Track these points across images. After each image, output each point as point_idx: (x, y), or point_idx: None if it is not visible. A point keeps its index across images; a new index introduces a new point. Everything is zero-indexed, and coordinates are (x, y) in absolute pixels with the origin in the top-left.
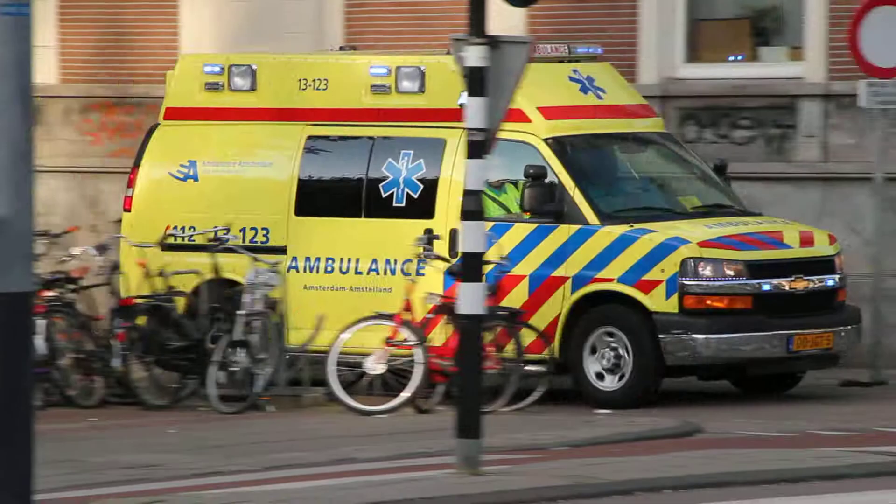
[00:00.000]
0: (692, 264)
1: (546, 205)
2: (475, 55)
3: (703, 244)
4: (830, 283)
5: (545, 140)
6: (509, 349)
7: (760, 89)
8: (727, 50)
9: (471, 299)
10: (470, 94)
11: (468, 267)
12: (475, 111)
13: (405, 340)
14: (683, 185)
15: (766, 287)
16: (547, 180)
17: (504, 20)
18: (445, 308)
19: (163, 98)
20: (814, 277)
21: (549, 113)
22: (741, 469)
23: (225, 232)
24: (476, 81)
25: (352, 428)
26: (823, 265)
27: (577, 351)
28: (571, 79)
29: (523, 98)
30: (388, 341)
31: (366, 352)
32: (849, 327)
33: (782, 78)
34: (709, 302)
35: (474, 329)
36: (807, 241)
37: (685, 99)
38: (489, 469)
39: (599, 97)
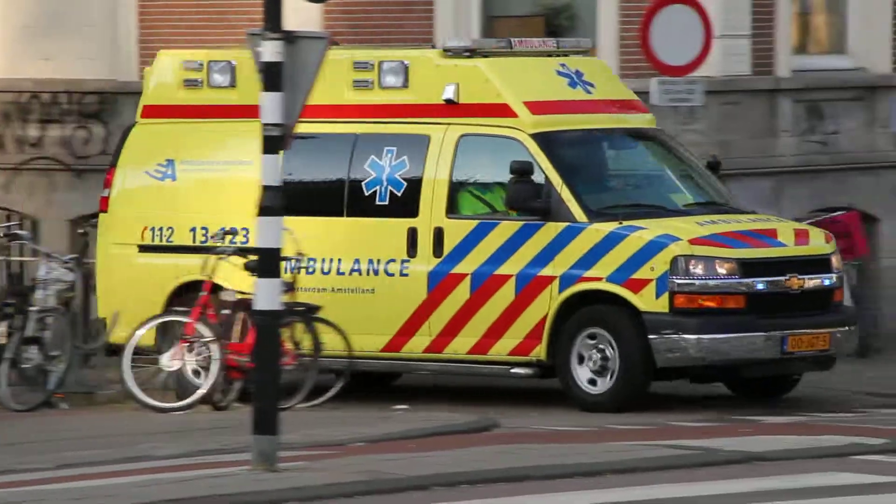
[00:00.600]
0: (683, 262)
1: (532, 202)
2: (271, 50)
3: (694, 241)
4: (827, 282)
5: (532, 135)
6: (307, 345)
7: None
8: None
9: (267, 295)
10: (265, 90)
11: (264, 263)
12: (271, 106)
13: (201, 337)
14: (675, 181)
15: (759, 286)
16: (533, 177)
17: (300, 16)
18: (242, 304)
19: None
20: (809, 276)
21: (535, 107)
22: (537, 463)
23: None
24: (272, 77)
25: (147, 425)
26: (819, 264)
27: (563, 353)
28: (559, 73)
29: (509, 92)
30: (184, 338)
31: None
32: (845, 328)
33: None
34: (700, 301)
35: (271, 325)
36: (802, 238)
37: None
38: (286, 465)
39: (588, 91)
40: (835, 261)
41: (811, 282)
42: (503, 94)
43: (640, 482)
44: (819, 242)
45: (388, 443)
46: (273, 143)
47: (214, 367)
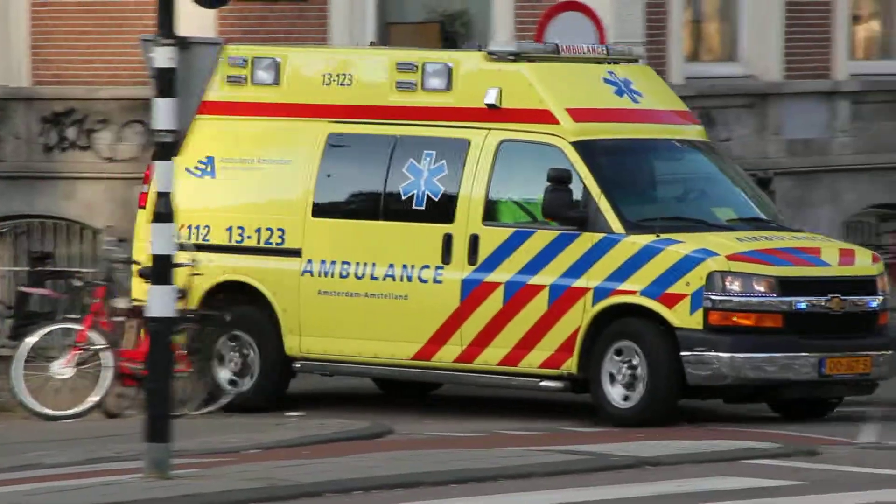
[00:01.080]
0: (719, 278)
1: (568, 211)
2: (164, 56)
3: (731, 257)
4: (873, 304)
5: (572, 143)
6: (201, 352)
7: None
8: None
9: (160, 302)
10: (158, 95)
11: (157, 269)
12: (164, 112)
13: (93, 344)
14: (720, 196)
15: (799, 305)
16: (571, 185)
17: (194, 21)
18: (136, 311)
19: None
20: (852, 298)
21: (578, 115)
22: (430, 469)
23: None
24: (165, 82)
25: (38, 433)
26: (863, 285)
27: (595, 367)
28: (606, 80)
29: (551, 98)
30: (76, 345)
31: None
32: (889, 352)
33: None
34: (735, 319)
35: (164, 332)
36: (847, 259)
37: None
38: (179, 473)
39: (635, 101)
40: (881, 283)
41: (854, 303)
42: (545, 100)
43: (533, 487)
44: (865, 263)
45: (282, 450)
46: (166, 150)
47: (106, 375)
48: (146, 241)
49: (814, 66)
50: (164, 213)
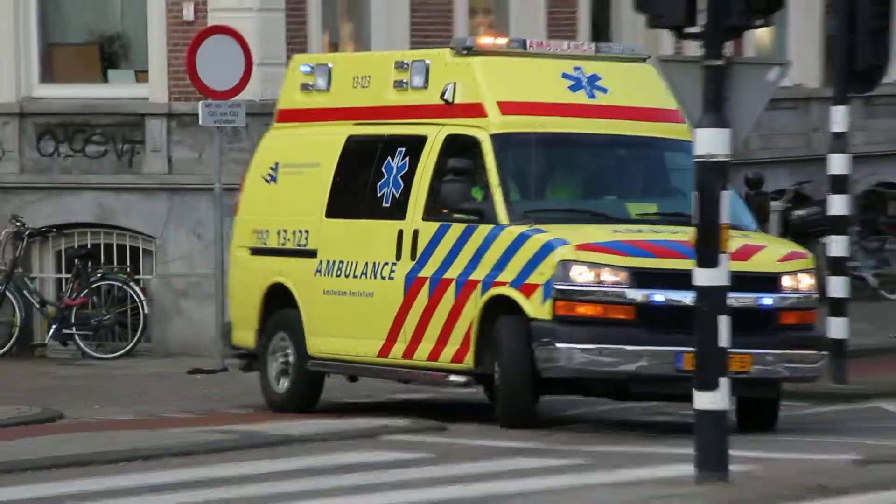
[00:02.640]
0: (567, 267)
1: (462, 202)
2: None
3: (581, 247)
4: (763, 301)
5: (492, 135)
6: None
7: (110, 108)
8: (79, 72)
9: None
10: None
11: None
12: None
13: None
14: (652, 191)
15: (655, 297)
16: (472, 177)
17: None
18: None
19: None
20: (735, 294)
21: (508, 108)
22: (102, 449)
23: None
24: None
25: None
26: (755, 282)
27: (489, 362)
28: (566, 76)
29: (487, 92)
30: None
31: None
32: (784, 351)
33: (130, 98)
34: (581, 309)
35: None
36: (743, 255)
37: (41, 116)
38: None
39: (592, 96)
40: (790, 281)
41: (736, 300)
42: (482, 93)
43: (195, 464)
44: (767, 260)
45: None
46: None
47: None
48: (236, 246)
49: None
50: None
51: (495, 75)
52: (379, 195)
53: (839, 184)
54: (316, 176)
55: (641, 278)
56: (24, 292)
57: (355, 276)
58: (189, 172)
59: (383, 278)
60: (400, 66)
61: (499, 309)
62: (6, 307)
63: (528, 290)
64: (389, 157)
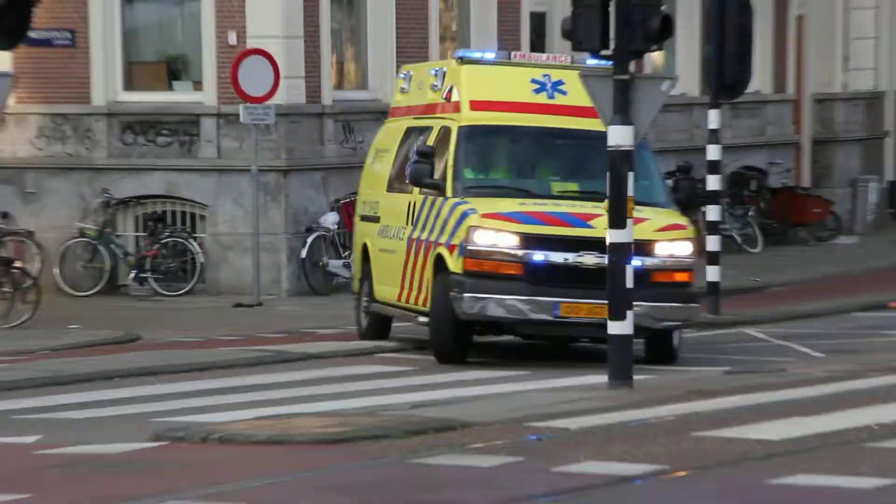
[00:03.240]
0: (473, 231)
1: (425, 179)
2: None
3: (486, 215)
4: (637, 263)
5: (459, 126)
6: (7, 285)
7: (174, 109)
8: (152, 83)
9: None
10: None
11: None
12: None
13: None
14: (580, 173)
15: (536, 257)
16: (434, 159)
17: None
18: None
19: None
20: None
21: (477, 105)
22: (169, 362)
23: None
24: None
25: None
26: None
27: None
28: (534, 81)
29: (465, 93)
30: None
31: None
32: (654, 304)
33: (189, 102)
34: (482, 266)
35: None
36: None
37: (124, 115)
38: None
39: (552, 97)
40: (663, 247)
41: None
42: (462, 94)
43: (238, 374)
44: (646, 230)
45: (65, 350)
46: None
47: None
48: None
49: None
50: None
51: (475, 80)
52: (406, 173)
53: (714, 167)
54: (387, 159)
55: (530, 242)
56: (112, 246)
57: (391, 238)
58: (233, 157)
59: (400, 239)
60: (433, 72)
61: (441, 264)
62: (98, 258)
63: (451, 250)
64: (414, 144)
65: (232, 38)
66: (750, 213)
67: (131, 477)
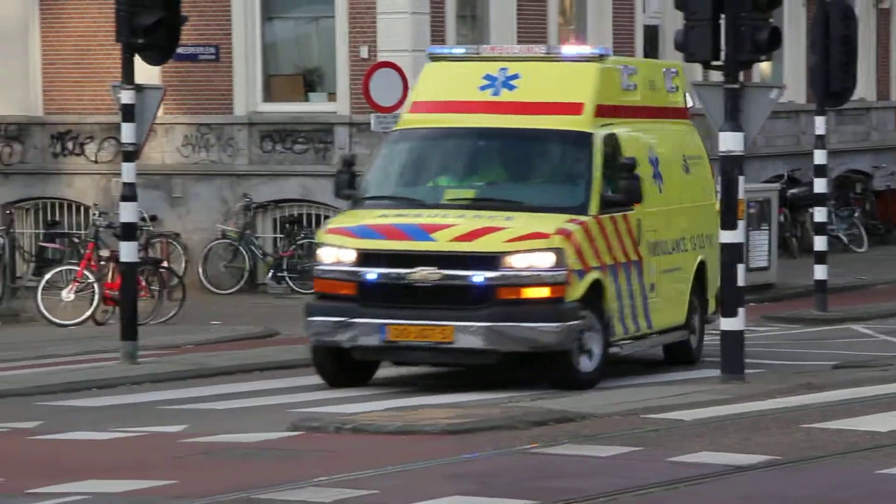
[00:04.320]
0: (319, 249)
1: (343, 190)
2: (127, 96)
3: (330, 230)
4: (474, 279)
5: (393, 131)
6: (155, 283)
7: (310, 119)
8: (289, 94)
9: (127, 252)
10: (124, 121)
11: (125, 232)
12: (127, 132)
13: (87, 279)
14: (489, 177)
15: (368, 275)
16: (353, 168)
17: (146, 73)
18: (113, 257)
19: None
20: (449, 272)
21: (417, 107)
22: (303, 357)
23: None
24: (127, 113)
25: (52, 335)
26: (474, 261)
27: None
28: (487, 76)
29: (413, 94)
30: (76, 280)
31: None
32: (492, 324)
33: (324, 112)
34: (324, 287)
35: (130, 271)
36: (468, 237)
37: (263, 125)
38: (143, 360)
39: (496, 94)
40: (513, 259)
41: (450, 277)
42: (411, 95)
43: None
44: (494, 241)
45: (208, 345)
46: (129, 155)
47: (95, 299)
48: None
49: None
50: (129, 196)
51: (429, 79)
52: None
53: (820, 171)
54: None
55: (366, 258)
56: (251, 247)
57: None
58: (363, 164)
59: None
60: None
61: None
62: (239, 258)
63: None
64: None
65: (364, 52)
66: (855, 215)
67: (270, 464)
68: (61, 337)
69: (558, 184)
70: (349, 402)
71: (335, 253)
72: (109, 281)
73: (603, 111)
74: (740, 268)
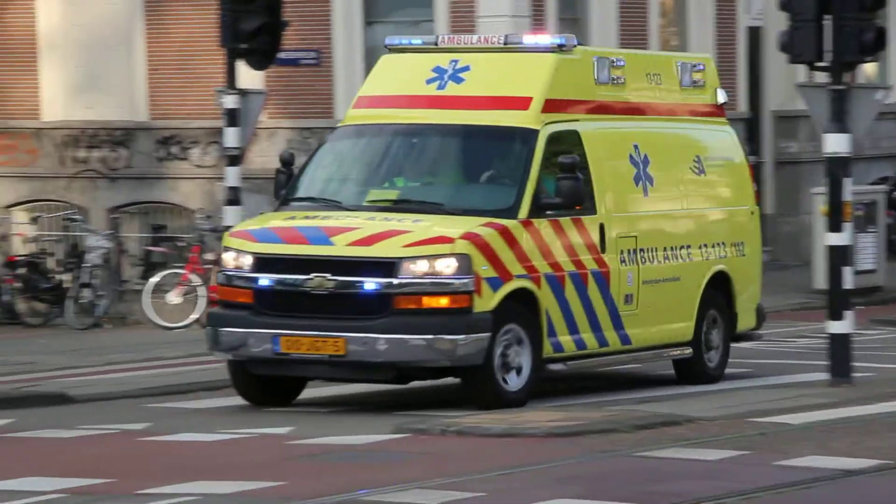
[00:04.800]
0: (222, 253)
1: (279, 191)
2: (231, 100)
3: (233, 234)
4: (367, 286)
5: (336, 127)
6: None
7: None
8: None
9: None
10: (227, 125)
11: None
12: (232, 136)
13: (193, 282)
14: (417, 177)
15: (262, 281)
16: (293, 167)
17: (248, 78)
18: (218, 261)
19: None
20: (343, 278)
21: (361, 103)
22: None
23: None
24: (232, 117)
25: (159, 337)
26: (367, 268)
27: None
28: (436, 69)
29: (361, 89)
30: (181, 283)
31: None
32: (386, 336)
33: None
34: (224, 294)
35: None
36: (367, 242)
37: None
38: None
39: (442, 88)
40: (413, 266)
41: (345, 284)
42: (360, 90)
43: None
44: (392, 246)
45: None
46: (233, 160)
47: (201, 301)
48: None
49: None
50: (233, 200)
51: (380, 73)
52: None
53: None
54: None
55: (262, 263)
56: None
57: None
58: None
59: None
60: None
61: None
62: None
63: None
64: None
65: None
66: None
67: (376, 466)
68: (168, 340)
69: (488, 184)
70: (455, 406)
71: (234, 257)
72: (214, 284)
73: (558, 106)
74: (847, 270)
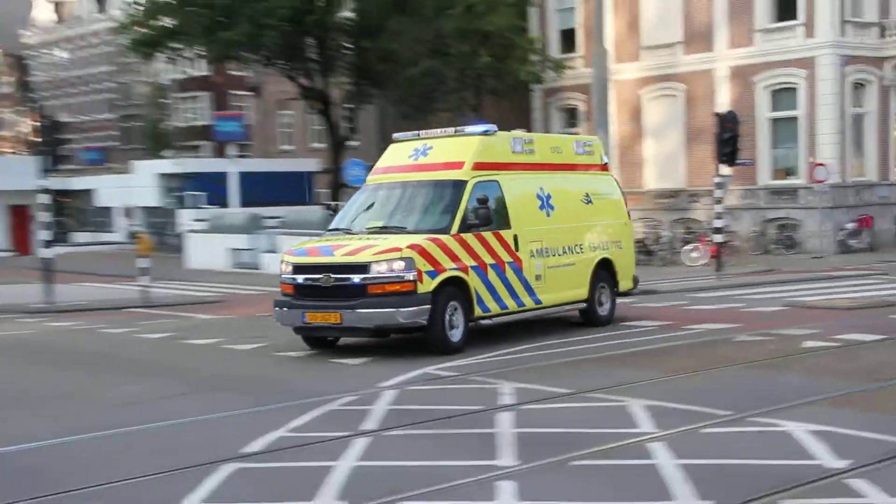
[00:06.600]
0: (281, 263)
1: (328, 225)
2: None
3: (287, 252)
4: (353, 280)
5: (362, 186)
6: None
7: None
8: None
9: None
10: None
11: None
12: None
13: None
14: (398, 212)
15: (297, 279)
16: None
17: None
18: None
19: None
20: (337, 276)
21: (375, 171)
22: None
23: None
24: None
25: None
26: (352, 269)
27: None
28: (416, 149)
29: (376, 164)
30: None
31: None
32: (367, 310)
33: None
34: (283, 288)
35: None
36: (353, 252)
37: None
38: None
39: (416, 159)
40: (377, 267)
41: (337, 280)
42: (377, 164)
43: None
44: (366, 255)
45: None
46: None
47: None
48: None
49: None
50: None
51: (387, 154)
52: None
53: None
54: None
55: (297, 269)
56: None
57: None
58: None
59: None
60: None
61: None
62: None
63: None
64: None
65: None
66: None
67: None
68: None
69: (436, 214)
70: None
71: (286, 266)
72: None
73: (483, 166)
74: None
